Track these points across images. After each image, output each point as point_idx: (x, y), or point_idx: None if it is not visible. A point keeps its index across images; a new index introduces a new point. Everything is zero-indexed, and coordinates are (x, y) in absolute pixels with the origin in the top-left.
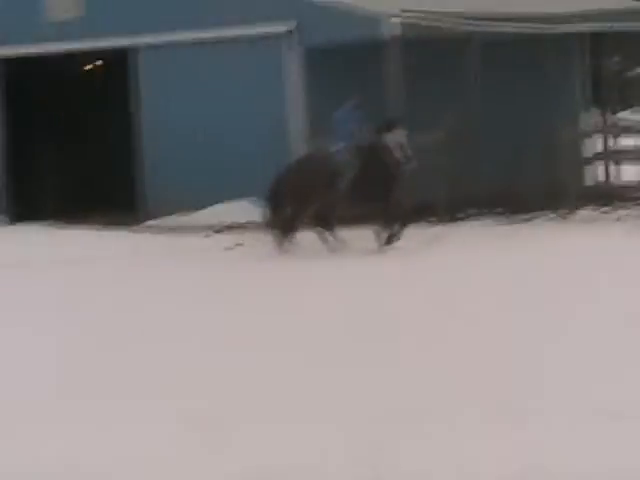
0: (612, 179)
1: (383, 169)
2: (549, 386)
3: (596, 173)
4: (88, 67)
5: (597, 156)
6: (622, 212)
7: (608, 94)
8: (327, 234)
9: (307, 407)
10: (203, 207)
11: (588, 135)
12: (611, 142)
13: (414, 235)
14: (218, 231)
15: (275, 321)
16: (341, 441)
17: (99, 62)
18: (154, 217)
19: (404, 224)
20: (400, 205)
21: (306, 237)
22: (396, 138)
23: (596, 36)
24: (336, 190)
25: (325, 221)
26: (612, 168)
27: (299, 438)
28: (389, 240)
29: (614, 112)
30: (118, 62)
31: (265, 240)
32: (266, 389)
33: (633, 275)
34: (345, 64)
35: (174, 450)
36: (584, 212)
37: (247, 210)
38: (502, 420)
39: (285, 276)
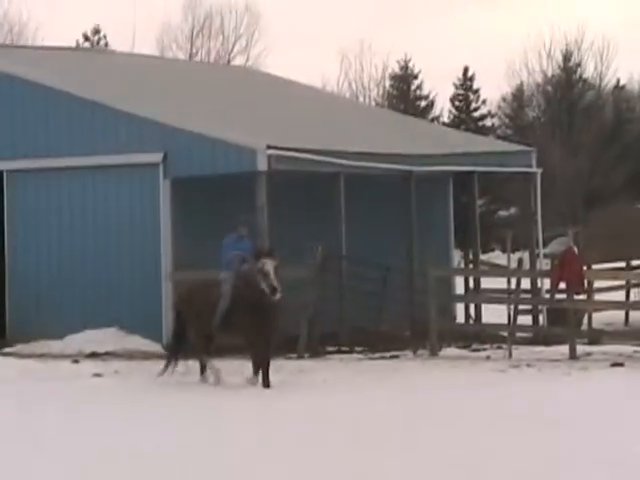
0: (481, 318)
1: (252, 298)
2: None
3: (467, 311)
4: None
5: (466, 295)
6: (491, 350)
7: (475, 235)
8: (205, 363)
9: None
10: (70, 333)
11: (457, 273)
12: (478, 282)
13: (276, 369)
14: (82, 358)
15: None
16: None
17: None
18: (21, 342)
19: (267, 359)
20: (269, 337)
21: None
22: (265, 267)
23: (464, 177)
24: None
25: (203, 350)
26: (481, 307)
27: None
28: (265, 377)
29: (475, 254)
30: None
31: (133, 368)
32: None
33: (497, 413)
34: (214, 194)
35: None
36: (452, 349)
37: (114, 337)
38: None
39: (147, 406)
